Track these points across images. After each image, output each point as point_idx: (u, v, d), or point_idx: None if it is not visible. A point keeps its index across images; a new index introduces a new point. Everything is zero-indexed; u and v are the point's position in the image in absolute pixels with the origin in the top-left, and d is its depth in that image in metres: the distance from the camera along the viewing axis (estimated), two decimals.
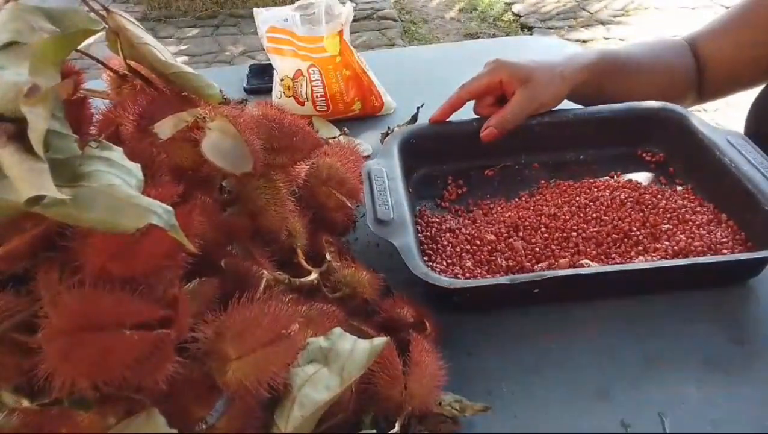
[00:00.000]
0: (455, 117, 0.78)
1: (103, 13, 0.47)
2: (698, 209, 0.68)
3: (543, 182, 0.76)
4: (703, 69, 0.85)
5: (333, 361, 0.41)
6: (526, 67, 0.74)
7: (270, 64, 1.04)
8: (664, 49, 0.86)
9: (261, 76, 1.05)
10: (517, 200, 0.74)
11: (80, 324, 0.32)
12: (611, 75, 0.80)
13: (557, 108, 0.78)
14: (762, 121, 0.79)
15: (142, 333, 0.33)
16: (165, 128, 0.45)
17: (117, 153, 0.36)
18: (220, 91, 0.52)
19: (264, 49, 0.95)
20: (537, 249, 0.65)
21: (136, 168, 0.36)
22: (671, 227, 0.65)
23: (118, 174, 0.34)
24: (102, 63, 0.52)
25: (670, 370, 0.54)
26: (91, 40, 0.43)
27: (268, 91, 1.00)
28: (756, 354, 0.56)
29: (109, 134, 0.47)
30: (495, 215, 0.71)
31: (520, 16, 3.63)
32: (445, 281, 0.57)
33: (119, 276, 0.35)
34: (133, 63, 0.51)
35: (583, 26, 3.47)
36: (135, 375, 0.33)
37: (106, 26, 0.48)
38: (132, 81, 0.54)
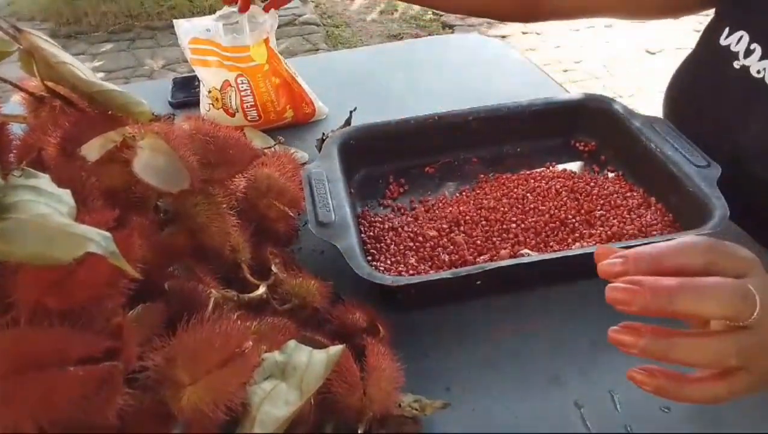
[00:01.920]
0: (393, 117, 0.78)
1: (14, 33, 0.44)
2: (628, 194, 0.71)
3: (482, 175, 0.77)
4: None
5: (290, 375, 0.41)
6: None
7: (194, 76, 1.02)
8: None
9: (186, 89, 1.02)
10: (457, 195, 0.75)
11: (18, 365, 0.30)
12: None
13: (493, 103, 0.79)
14: (674, 104, 0.83)
15: (87, 368, 0.32)
16: (92, 149, 0.43)
17: (44, 180, 0.34)
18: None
19: (187, 61, 0.92)
20: (478, 242, 0.66)
21: (66, 194, 0.35)
22: (604, 212, 0.68)
23: (47, 203, 0.32)
24: (16, 85, 0.49)
25: (616, 350, 0.57)
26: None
27: (195, 104, 0.97)
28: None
29: (31, 160, 0.44)
30: (436, 211, 0.72)
31: (440, 15, 3.70)
32: (388, 279, 0.57)
33: (57, 310, 0.33)
34: (50, 84, 0.49)
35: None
36: (83, 412, 0.32)
37: (19, 47, 0.45)
38: (51, 103, 0.51)
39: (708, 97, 0.76)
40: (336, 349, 0.43)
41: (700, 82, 0.79)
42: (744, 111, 0.72)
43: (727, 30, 0.75)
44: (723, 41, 0.75)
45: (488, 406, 0.52)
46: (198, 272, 0.48)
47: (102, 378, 0.32)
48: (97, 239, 0.31)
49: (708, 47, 0.78)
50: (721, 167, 0.65)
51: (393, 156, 0.79)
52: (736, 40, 0.74)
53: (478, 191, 0.74)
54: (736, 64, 0.73)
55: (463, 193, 0.75)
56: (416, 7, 3.74)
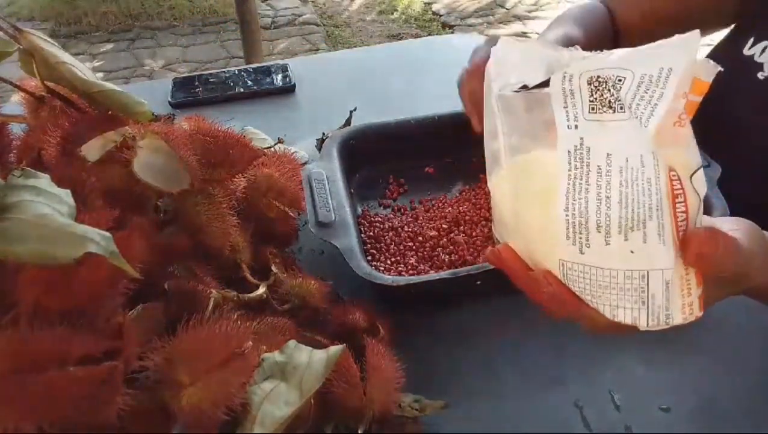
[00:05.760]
0: (393, 117, 0.78)
1: (14, 33, 0.44)
2: None
3: (482, 175, 0.77)
4: (619, 32, 0.86)
5: (290, 375, 0.41)
6: None
7: (195, 77, 1.02)
8: (595, 21, 0.84)
9: (186, 89, 1.02)
10: (457, 195, 0.75)
11: (18, 365, 0.30)
12: None
13: None
14: None
15: (87, 368, 0.31)
16: (92, 149, 0.43)
17: (44, 180, 0.34)
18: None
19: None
20: (478, 242, 0.66)
21: (66, 195, 0.34)
22: None
23: (47, 203, 0.32)
24: (16, 85, 0.49)
25: (616, 350, 0.57)
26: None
27: (195, 104, 0.97)
28: (692, 330, 0.58)
29: (31, 160, 0.44)
30: (436, 211, 0.72)
31: (440, 15, 3.70)
32: (388, 279, 0.57)
33: (57, 310, 0.33)
34: (50, 84, 0.49)
35: (500, 22, 3.58)
36: (83, 412, 0.31)
37: (19, 47, 0.45)
38: (51, 103, 0.51)
39: (729, 107, 0.74)
40: (336, 349, 0.43)
41: (717, 90, 0.77)
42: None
43: (751, 40, 0.74)
44: (746, 51, 0.74)
45: (488, 406, 0.52)
46: (198, 273, 0.47)
47: (102, 378, 0.32)
48: (97, 239, 0.31)
49: (729, 57, 0.76)
50: (739, 177, 0.64)
51: (393, 156, 0.79)
52: (760, 51, 0.72)
53: (477, 191, 0.74)
54: (761, 75, 0.72)
55: (463, 193, 0.75)
56: (416, 8, 3.75)
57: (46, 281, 0.33)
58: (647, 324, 0.35)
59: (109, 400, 0.32)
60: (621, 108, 0.34)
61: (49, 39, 0.48)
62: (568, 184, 0.35)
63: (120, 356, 0.33)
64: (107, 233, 0.32)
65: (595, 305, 0.36)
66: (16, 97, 0.53)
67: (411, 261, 0.65)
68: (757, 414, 0.51)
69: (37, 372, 0.30)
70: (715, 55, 0.79)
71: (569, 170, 0.35)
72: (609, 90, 0.34)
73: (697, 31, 0.33)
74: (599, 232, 0.34)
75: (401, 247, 0.67)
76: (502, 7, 3.76)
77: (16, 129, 0.50)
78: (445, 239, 0.67)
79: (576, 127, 0.35)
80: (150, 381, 0.36)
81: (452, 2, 3.84)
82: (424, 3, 3.85)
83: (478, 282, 0.57)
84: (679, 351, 0.56)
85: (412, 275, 0.63)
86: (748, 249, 0.38)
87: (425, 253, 0.66)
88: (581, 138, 0.35)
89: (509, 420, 0.51)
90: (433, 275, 0.60)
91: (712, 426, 0.50)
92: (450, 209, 0.71)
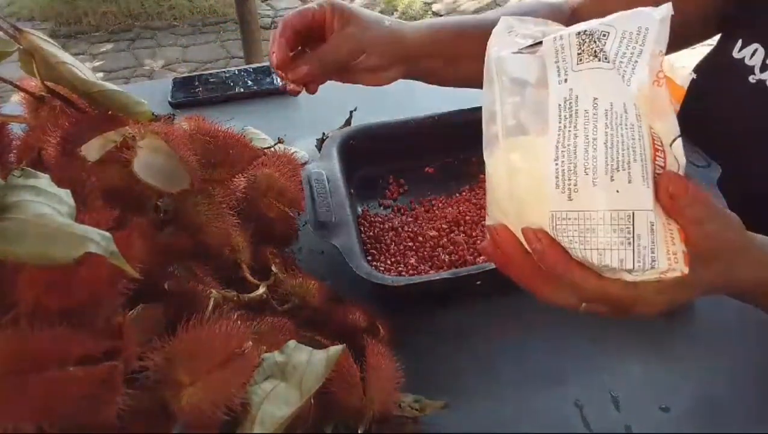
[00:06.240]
0: (393, 117, 0.78)
1: (14, 33, 0.44)
2: None
3: (482, 176, 0.77)
4: None
5: (290, 375, 0.41)
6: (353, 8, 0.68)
7: (195, 76, 1.02)
8: (534, 11, 0.76)
9: (186, 89, 1.02)
10: (457, 195, 0.75)
11: (18, 365, 0.30)
12: (465, 42, 0.70)
13: None
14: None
15: (87, 368, 0.31)
16: (92, 149, 0.43)
17: (44, 180, 0.34)
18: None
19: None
20: (478, 242, 0.66)
21: (65, 195, 0.34)
22: None
23: (47, 203, 0.32)
24: (16, 85, 0.49)
25: (616, 350, 0.57)
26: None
27: (195, 104, 0.97)
28: (692, 330, 0.59)
29: (31, 160, 0.44)
30: (436, 212, 0.72)
31: (440, 15, 3.70)
32: (388, 279, 0.57)
33: (57, 310, 0.33)
34: (50, 84, 0.49)
35: None
36: (83, 412, 0.31)
37: (19, 47, 0.45)
38: (51, 103, 0.51)
39: (725, 110, 0.74)
40: (336, 349, 0.43)
41: (712, 95, 0.77)
42: (762, 125, 0.71)
43: (740, 43, 0.73)
44: (736, 54, 0.74)
45: (488, 406, 0.52)
46: (198, 273, 0.48)
47: (102, 378, 0.32)
48: (97, 239, 0.31)
49: (720, 61, 0.76)
50: (731, 182, 0.64)
51: (393, 156, 0.78)
52: (750, 54, 0.72)
53: (477, 191, 0.74)
54: (752, 79, 0.71)
55: (463, 193, 0.75)
56: (416, 7, 3.75)
57: (46, 281, 0.33)
58: (633, 265, 0.36)
59: (109, 400, 0.32)
60: (606, 59, 0.36)
61: (49, 39, 0.48)
62: (558, 135, 0.36)
63: (120, 356, 0.33)
64: (107, 233, 0.32)
65: (583, 255, 0.37)
66: (16, 97, 0.53)
67: (411, 261, 0.65)
68: (757, 414, 0.51)
69: (37, 372, 0.30)
70: (707, 59, 0.79)
71: (559, 122, 0.36)
72: (595, 42, 0.36)
73: (669, 3, 0.36)
74: (587, 174, 0.35)
75: (401, 247, 0.67)
76: (501, 7, 3.76)
77: (16, 129, 0.50)
78: (445, 239, 0.67)
79: (566, 81, 0.37)
80: (150, 381, 0.36)
81: (452, 2, 3.84)
82: (424, 3, 3.85)
83: (478, 282, 0.58)
84: (678, 351, 0.57)
85: (412, 275, 0.63)
86: (725, 214, 0.39)
87: (425, 253, 0.66)
88: (570, 89, 0.36)
89: (509, 420, 0.51)
90: (433, 275, 0.60)
91: (712, 426, 0.50)
92: (450, 209, 0.71)
